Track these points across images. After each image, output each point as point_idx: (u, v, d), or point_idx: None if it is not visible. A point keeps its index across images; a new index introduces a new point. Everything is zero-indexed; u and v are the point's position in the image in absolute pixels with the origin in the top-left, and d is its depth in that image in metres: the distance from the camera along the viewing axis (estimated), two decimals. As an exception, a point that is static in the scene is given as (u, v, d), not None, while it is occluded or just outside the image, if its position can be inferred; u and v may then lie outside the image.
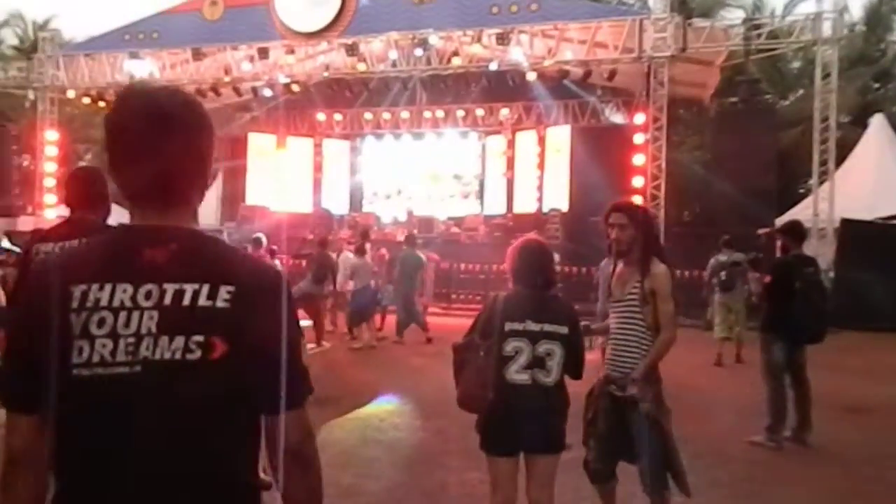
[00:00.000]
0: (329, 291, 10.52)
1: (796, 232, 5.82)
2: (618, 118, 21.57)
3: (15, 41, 28.66)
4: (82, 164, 39.76)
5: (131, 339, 1.18)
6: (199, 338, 1.19)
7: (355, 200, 22.95)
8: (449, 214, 21.10)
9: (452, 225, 19.79)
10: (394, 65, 16.88)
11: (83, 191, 2.78)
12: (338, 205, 22.33)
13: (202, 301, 1.21)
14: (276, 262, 11.54)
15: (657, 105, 14.70)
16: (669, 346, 3.19)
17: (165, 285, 1.21)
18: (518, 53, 15.87)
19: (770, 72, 21.09)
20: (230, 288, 1.23)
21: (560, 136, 19.74)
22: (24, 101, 20.38)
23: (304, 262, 11.54)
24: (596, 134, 18.75)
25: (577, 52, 15.52)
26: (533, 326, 2.72)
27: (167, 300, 1.20)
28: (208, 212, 24.12)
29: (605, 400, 3.20)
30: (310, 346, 9.91)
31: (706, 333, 9.96)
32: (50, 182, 19.25)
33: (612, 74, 15.35)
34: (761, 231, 13.26)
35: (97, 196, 2.78)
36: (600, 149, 16.87)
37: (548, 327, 2.73)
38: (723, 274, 9.41)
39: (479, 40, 15.95)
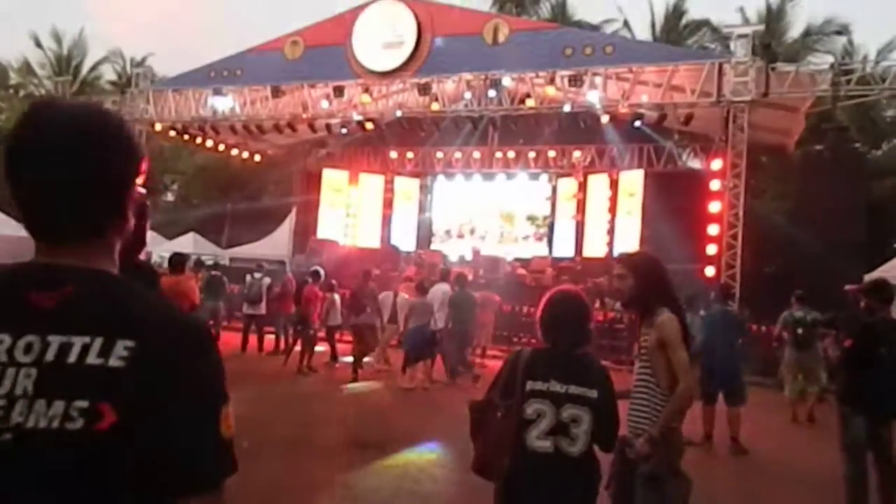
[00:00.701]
0: (373, 324, 10.48)
1: (883, 291, 5.22)
2: (694, 163, 20.88)
3: (113, 76, 30.55)
4: (169, 194, 41.86)
5: (2, 402, 0.98)
6: (84, 403, 0.97)
7: (423, 238, 22.99)
8: (516, 255, 20.83)
9: (519, 266, 19.49)
10: (466, 105, 16.93)
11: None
12: (406, 241, 22.45)
13: (91, 358, 1.00)
14: (336, 296, 11.56)
15: (736, 150, 14.09)
16: (687, 399, 2.89)
17: (50, 337, 1.00)
18: (592, 96, 15.62)
19: (860, 119, 20.03)
20: (129, 343, 1.01)
21: (633, 180, 19.28)
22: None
23: (346, 295, 11.58)
24: (670, 179, 18.21)
25: (653, 96, 15.16)
26: (557, 388, 2.43)
27: (49, 356, 1.00)
28: (280, 244, 24.77)
29: (618, 461, 2.90)
30: (361, 383, 9.82)
31: (779, 393, 9.31)
32: (134, 210, 20.08)
33: (688, 118, 14.88)
34: (849, 287, 12.38)
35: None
36: (675, 194, 16.35)
37: (574, 390, 2.43)
38: (800, 331, 8.84)
39: (552, 82, 15.82)
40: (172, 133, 20.56)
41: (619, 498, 2.84)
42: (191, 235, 30.02)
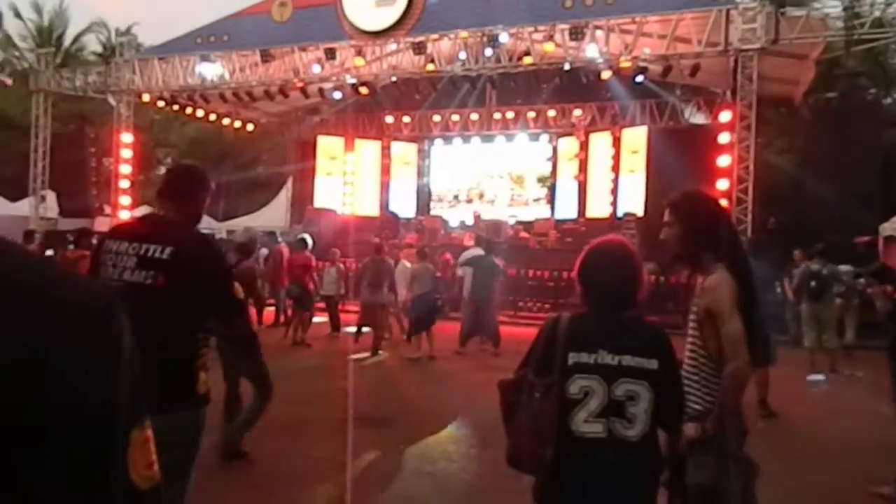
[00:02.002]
0: (388, 299, 10.03)
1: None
2: (699, 118, 20.37)
3: (98, 48, 29.68)
4: (162, 168, 41.24)
5: (118, 269, 2.42)
6: (151, 272, 2.40)
7: (422, 204, 22.52)
8: (518, 219, 20.40)
9: (521, 230, 19.07)
10: (463, 64, 16.31)
11: (168, 186, 2.70)
12: (405, 208, 21.97)
13: (156, 254, 2.41)
14: (334, 266, 11.18)
15: (745, 102, 13.56)
16: (741, 382, 2.36)
17: (143, 244, 2.42)
18: (593, 50, 15.04)
19: (872, 66, 19.38)
20: (172, 248, 2.42)
21: (636, 138, 18.74)
22: (103, 105, 20.86)
23: (358, 269, 11.11)
24: (676, 134, 17.68)
25: (657, 48, 14.56)
26: (608, 359, 1.98)
27: (142, 252, 2.42)
28: (278, 214, 24.31)
29: (668, 447, 2.38)
30: (363, 354, 9.47)
31: (794, 351, 9.06)
32: (125, 184, 19.62)
33: (694, 69, 14.28)
34: (859, 240, 12.00)
35: (182, 193, 2.65)
36: (680, 150, 15.82)
37: (629, 361, 1.98)
38: (813, 283, 8.92)
39: (551, 37, 15.20)
40: (161, 103, 19.95)
41: (674, 488, 2.38)
42: (186, 209, 29.56)
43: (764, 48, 13.21)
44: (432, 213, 21.73)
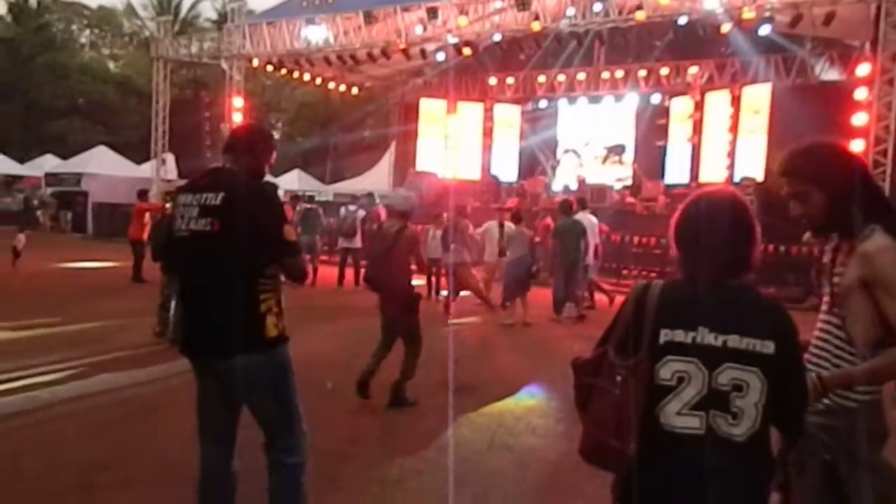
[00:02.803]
0: (462, 262, 9.78)
1: None
2: (832, 74, 18.54)
3: (213, 15, 30.80)
4: (275, 133, 42.72)
5: (186, 220, 2.62)
6: (208, 219, 2.56)
7: (525, 167, 21.98)
8: (625, 184, 19.49)
9: (627, 195, 18.22)
10: (570, 21, 15.53)
11: (231, 141, 2.85)
12: (507, 171, 21.57)
13: (211, 201, 2.56)
14: (435, 230, 11.04)
15: (887, 53, 12.15)
16: None
17: (203, 194, 2.59)
18: (713, 1, 13.89)
19: None
20: (223, 194, 2.56)
21: (759, 96, 17.32)
22: (217, 70, 21.62)
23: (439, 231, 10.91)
24: (804, 92, 16.14)
25: (785, -5, 13.25)
26: (710, 339, 1.60)
27: (201, 200, 2.58)
28: (381, 177, 24.54)
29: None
30: (460, 319, 9.30)
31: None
32: (236, 147, 20.28)
33: (829, 18, 12.91)
34: None
35: (241, 147, 2.77)
36: (809, 109, 14.36)
37: (737, 342, 1.59)
38: None
39: (666, -12, 14.18)
40: (269, 68, 20.41)
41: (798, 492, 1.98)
42: (295, 172, 30.47)
43: (913, -9, 11.72)
44: (535, 176, 21.18)
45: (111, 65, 39.27)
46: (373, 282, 5.38)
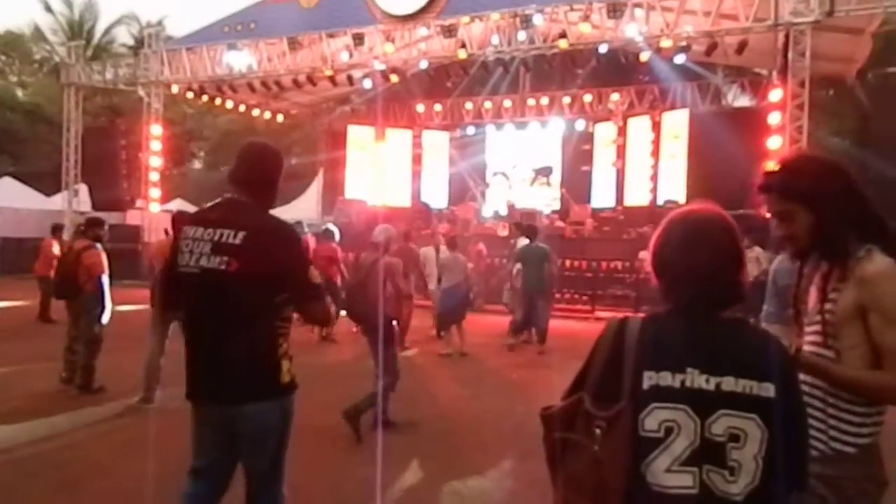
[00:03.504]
0: (409, 290, 9.52)
1: None
2: (743, 101, 19.48)
3: (129, 40, 29.73)
4: (196, 162, 41.41)
5: (195, 256, 2.41)
6: (224, 258, 2.37)
7: (455, 193, 21.99)
8: (553, 208, 19.72)
9: (557, 219, 18.43)
10: (495, 48, 15.67)
11: (239, 169, 2.54)
12: (437, 198, 21.48)
13: (228, 239, 2.37)
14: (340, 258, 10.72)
15: (797, 79, 12.73)
16: (889, 395, 1.73)
17: (217, 229, 2.39)
18: (632, 30, 14.29)
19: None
20: (243, 233, 2.38)
21: (677, 122, 17.90)
22: (134, 97, 20.76)
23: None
24: (719, 118, 16.77)
25: (700, 26, 13.75)
26: (701, 382, 1.39)
27: (216, 237, 2.39)
28: (309, 205, 24.00)
29: None
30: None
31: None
32: (155, 176, 19.45)
33: (741, 46, 13.45)
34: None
35: (253, 175, 2.54)
36: (725, 134, 14.99)
37: (732, 384, 1.38)
38: None
39: (587, 17, 14.50)
40: (190, 95, 19.73)
41: None
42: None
43: (818, 21, 12.34)
44: (464, 203, 21.20)
45: (19, 92, 37.28)
46: (352, 312, 5.48)
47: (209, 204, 2.54)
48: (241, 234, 2.35)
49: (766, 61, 16.00)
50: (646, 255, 1.58)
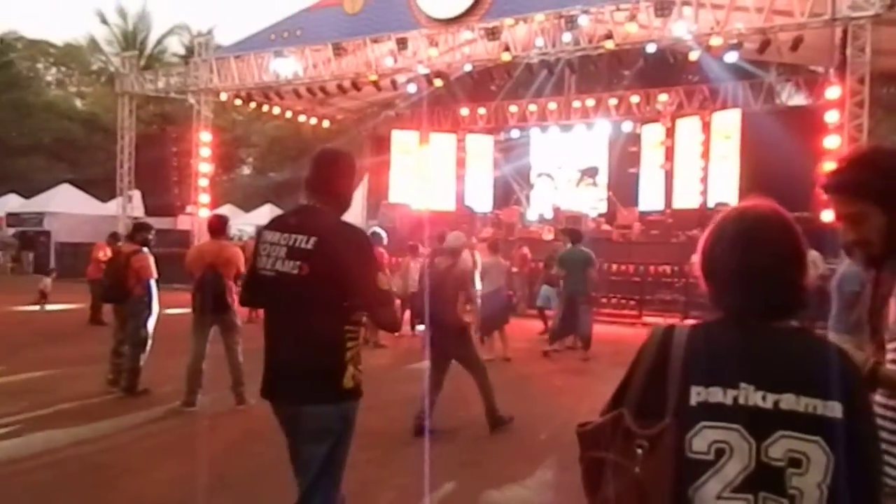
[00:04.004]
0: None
1: None
2: (798, 99, 18.79)
3: (180, 49, 30.48)
4: (245, 168, 42.19)
5: (272, 260, 2.52)
6: (297, 262, 2.46)
7: (499, 197, 21.83)
8: (599, 210, 19.37)
9: (603, 222, 18.10)
10: (540, 51, 15.47)
11: (312, 175, 2.63)
12: (481, 202, 21.39)
13: (301, 244, 2.46)
14: (414, 262, 10.67)
15: (856, 76, 12.19)
16: None
17: (291, 235, 2.49)
18: (680, 28, 13.91)
19: None
20: (315, 238, 2.45)
21: (729, 122, 17.40)
22: (185, 105, 21.23)
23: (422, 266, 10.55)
24: (773, 117, 16.24)
25: (752, 22, 13.30)
26: (757, 399, 1.23)
27: (290, 242, 2.48)
28: (354, 211, 24.14)
29: None
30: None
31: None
32: (204, 182, 19.82)
33: (796, 42, 12.96)
34: None
35: (325, 181, 2.62)
36: (779, 134, 14.54)
37: (793, 403, 1.21)
38: None
39: (634, 17, 14.18)
40: (238, 102, 20.08)
41: None
42: (267, 207, 30.01)
43: (878, 15, 11.80)
44: (509, 206, 21.04)
45: (78, 102, 38.67)
46: (423, 316, 5.63)
47: (287, 210, 2.70)
48: (312, 240, 2.44)
49: (822, 58, 15.39)
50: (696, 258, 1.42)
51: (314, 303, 2.41)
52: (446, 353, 5.44)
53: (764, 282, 1.29)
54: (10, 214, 25.61)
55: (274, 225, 2.60)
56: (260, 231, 2.72)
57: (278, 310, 2.52)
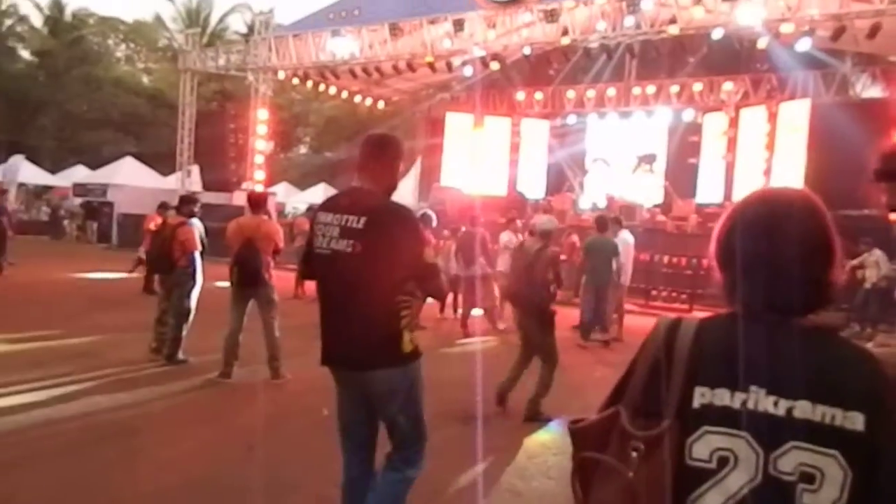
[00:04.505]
0: (484, 275, 9.37)
1: None
2: (874, 91, 17.81)
3: (242, 28, 31.00)
4: (302, 147, 42.76)
5: (328, 238, 2.70)
6: (350, 241, 2.63)
7: (552, 183, 21.50)
8: (655, 201, 18.87)
9: (658, 213, 17.61)
10: (600, 35, 15.07)
11: (362, 158, 2.84)
12: (534, 188, 21.09)
13: (353, 224, 2.64)
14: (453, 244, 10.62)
15: (938, 67, 11.46)
16: None
17: (343, 215, 2.67)
18: (749, 14, 13.33)
19: None
20: (366, 218, 2.63)
21: (797, 113, 16.63)
22: (245, 83, 21.57)
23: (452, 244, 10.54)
24: (845, 109, 15.44)
25: (826, 8, 12.64)
26: (768, 405, 1.09)
27: (343, 223, 2.66)
28: (406, 192, 24.19)
29: None
30: (473, 339, 8.84)
31: None
32: (260, 159, 20.13)
33: (874, 30, 12.26)
34: None
35: (374, 164, 2.82)
36: (851, 127, 13.78)
37: (808, 411, 1.07)
38: None
39: (700, 1, 13.68)
40: (295, 80, 20.28)
41: None
42: (322, 186, 30.35)
43: (965, 1, 11.05)
44: (563, 193, 20.69)
45: (145, 78, 39.82)
46: (512, 296, 5.75)
47: (339, 192, 2.95)
48: (363, 220, 2.62)
49: (903, 47, 14.57)
50: None
51: (367, 278, 2.61)
52: (524, 330, 5.57)
53: (786, 274, 1.14)
54: (76, 185, 26.59)
55: (327, 206, 2.80)
56: (315, 212, 2.91)
57: (335, 285, 2.75)
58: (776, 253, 1.15)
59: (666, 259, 13.83)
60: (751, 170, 17.45)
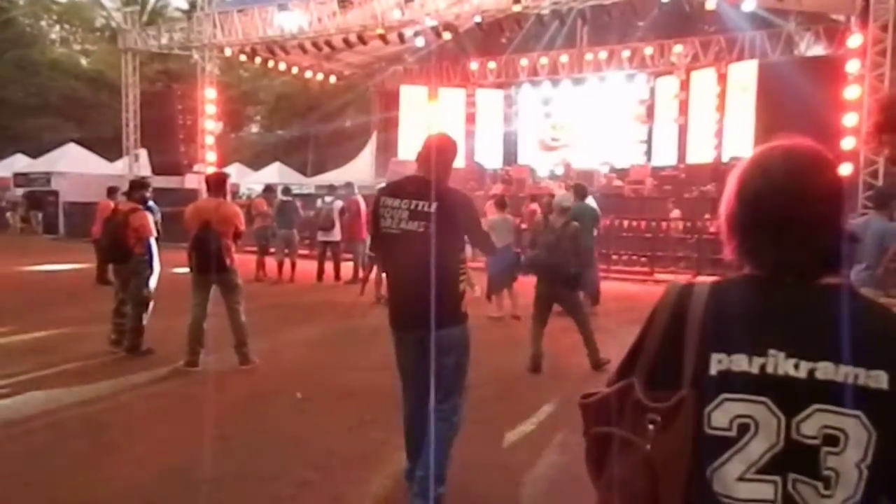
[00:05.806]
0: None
1: None
2: (818, 49, 18.17)
3: (184, 4, 29.93)
4: (253, 126, 41.71)
5: (399, 216, 3.18)
6: (423, 223, 3.13)
7: (509, 153, 21.50)
8: (612, 166, 19.05)
9: (615, 178, 17.79)
10: (552, 1, 14.97)
11: (425, 155, 3.30)
12: (491, 158, 21.08)
13: (425, 208, 3.13)
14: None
15: (879, 23, 11.74)
16: None
17: (412, 200, 3.17)
18: (697, -26, 13.41)
19: None
20: (436, 203, 3.10)
21: (745, 73, 16.91)
22: (189, 61, 20.86)
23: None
24: (791, 67, 15.72)
25: (772, -33, 12.78)
26: (789, 368, 1.06)
27: (412, 206, 3.16)
28: (364, 168, 23.91)
29: None
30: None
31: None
32: (210, 140, 19.60)
33: (818, -12, 12.45)
34: None
35: (435, 160, 3.24)
36: (797, 85, 14.03)
37: (830, 372, 1.04)
38: None
39: (650, -38, 13.67)
40: (243, 57, 19.71)
41: None
42: (276, 165, 29.75)
43: (905, -43, 11.29)
44: (519, 162, 20.69)
45: (83, 60, 38.26)
46: (542, 269, 6.38)
47: (402, 179, 3.36)
48: (434, 205, 3.12)
49: (844, 5, 14.81)
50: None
51: (437, 252, 3.03)
52: (556, 297, 6.36)
53: (804, 235, 1.10)
54: (17, 174, 25.56)
55: (393, 192, 3.27)
56: (378, 197, 3.33)
57: (405, 260, 3.21)
58: (799, 213, 1.11)
59: (626, 223, 13.98)
60: (703, 131, 17.72)
